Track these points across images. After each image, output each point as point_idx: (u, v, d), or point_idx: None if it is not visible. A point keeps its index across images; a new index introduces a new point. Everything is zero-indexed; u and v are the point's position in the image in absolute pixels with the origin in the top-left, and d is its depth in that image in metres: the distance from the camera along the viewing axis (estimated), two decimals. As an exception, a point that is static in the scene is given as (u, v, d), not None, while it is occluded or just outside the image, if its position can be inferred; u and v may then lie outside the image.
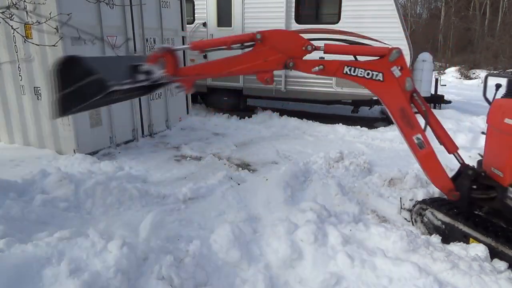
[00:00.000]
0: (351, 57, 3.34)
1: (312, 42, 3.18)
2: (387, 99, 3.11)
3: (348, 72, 3.08)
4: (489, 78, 3.44)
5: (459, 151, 3.34)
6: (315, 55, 3.16)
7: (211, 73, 3.62)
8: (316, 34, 8.42)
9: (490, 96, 3.31)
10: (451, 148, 3.26)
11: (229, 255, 2.89)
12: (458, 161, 3.33)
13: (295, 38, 3.12)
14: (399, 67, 3.01)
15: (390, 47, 3.04)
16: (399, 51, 2.98)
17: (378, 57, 3.07)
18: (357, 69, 3.06)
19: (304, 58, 3.13)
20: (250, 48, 3.10)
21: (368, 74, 3.05)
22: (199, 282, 2.66)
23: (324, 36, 9.15)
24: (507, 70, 18.09)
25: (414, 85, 3.10)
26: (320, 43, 3.24)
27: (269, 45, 3.04)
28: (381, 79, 3.04)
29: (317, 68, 3.13)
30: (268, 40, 3.03)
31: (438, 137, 3.28)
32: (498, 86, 3.21)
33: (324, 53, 3.12)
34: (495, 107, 3.13)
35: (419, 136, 3.10)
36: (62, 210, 3.61)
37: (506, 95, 3.23)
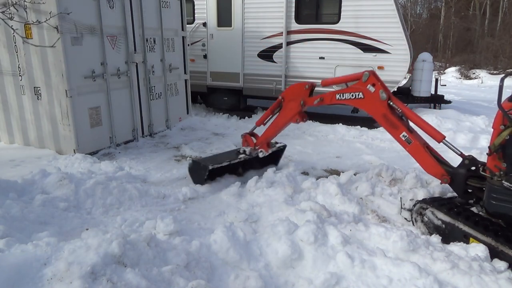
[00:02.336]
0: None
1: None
2: (371, 110, 3.85)
3: (340, 98, 4.00)
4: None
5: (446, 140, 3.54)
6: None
7: (270, 135, 4.73)
8: (316, 34, 8.51)
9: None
10: (438, 137, 3.49)
11: (229, 255, 2.89)
12: (454, 151, 3.52)
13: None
14: (372, 84, 3.75)
15: (362, 71, 3.82)
16: (367, 73, 3.76)
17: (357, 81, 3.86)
18: (345, 94, 3.97)
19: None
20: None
21: (352, 95, 3.91)
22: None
23: (324, 36, 9.21)
24: (507, 71, 18.09)
25: (389, 94, 3.72)
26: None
27: (286, 99, 4.65)
28: (362, 96, 3.84)
29: (318, 100, 4.24)
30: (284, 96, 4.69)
31: (424, 131, 3.59)
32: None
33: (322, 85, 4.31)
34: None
35: (405, 133, 3.66)
36: (62, 210, 3.61)
37: None
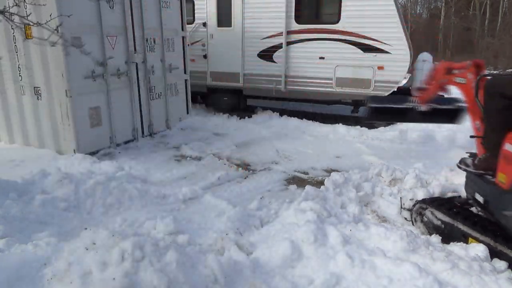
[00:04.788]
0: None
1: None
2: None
3: None
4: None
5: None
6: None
7: None
8: (316, 34, 8.51)
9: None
10: None
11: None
12: None
13: None
14: None
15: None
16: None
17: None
18: None
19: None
20: None
21: None
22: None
23: (324, 36, 9.21)
24: (507, 70, 18.06)
25: None
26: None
27: None
28: None
29: None
30: None
31: None
32: None
33: None
34: None
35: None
36: (62, 210, 3.62)
37: None
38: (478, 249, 2.93)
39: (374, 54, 7.87)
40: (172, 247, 2.60)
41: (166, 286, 2.29)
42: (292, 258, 2.89)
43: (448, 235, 3.28)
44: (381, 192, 4.40)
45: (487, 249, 2.93)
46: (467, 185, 3.32)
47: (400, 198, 4.09)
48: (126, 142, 6.56)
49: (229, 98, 9.54)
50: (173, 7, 7.38)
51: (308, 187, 4.15)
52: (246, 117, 8.82)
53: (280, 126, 8.11)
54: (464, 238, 3.15)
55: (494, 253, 2.93)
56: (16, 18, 3.82)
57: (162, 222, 3.30)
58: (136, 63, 6.61)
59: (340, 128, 7.76)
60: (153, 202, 4.12)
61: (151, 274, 2.32)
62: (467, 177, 3.31)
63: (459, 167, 3.30)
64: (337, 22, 8.02)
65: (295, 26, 8.42)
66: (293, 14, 8.39)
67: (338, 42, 8.07)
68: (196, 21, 9.31)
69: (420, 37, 27.15)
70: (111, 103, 6.13)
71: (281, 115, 8.82)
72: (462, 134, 6.93)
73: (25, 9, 5.14)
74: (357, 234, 3.25)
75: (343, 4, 7.92)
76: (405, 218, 3.90)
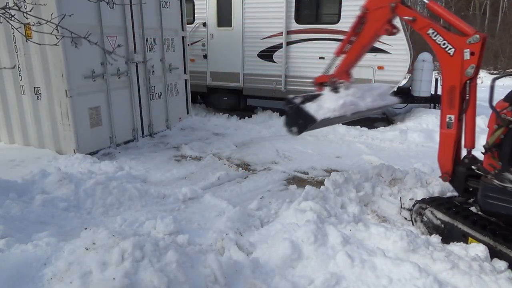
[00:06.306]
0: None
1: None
2: (446, 73, 3.36)
3: (431, 35, 3.39)
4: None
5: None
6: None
7: (352, 60, 3.98)
8: (316, 34, 8.50)
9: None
10: (469, 144, 3.39)
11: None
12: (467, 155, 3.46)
13: None
14: (471, 52, 3.15)
15: (475, 30, 3.18)
16: (478, 37, 3.10)
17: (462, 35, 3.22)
18: (438, 35, 3.32)
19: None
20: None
21: (444, 44, 3.28)
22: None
23: (324, 36, 9.19)
24: (507, 70, 18.06)
25: (476, 75, 3.23)
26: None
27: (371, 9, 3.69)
28: (451, 53, 3.25)
29: (410, 18, 3.55)
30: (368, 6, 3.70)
31: (464, 129, 3.41)
32: None
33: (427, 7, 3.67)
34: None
35: (452, 117, 3.35)
36: (62, 210, 3.62)
37: None
38: (478, 249, 2.93)
39: (374, 54, 7.86)
40: (172, 247, 2.61)
41: (166, 286, 2.29)
42: (292, 258, 2.89)
43: (448, 235, 3.28)
44: (381, 192, 4.40)
45: (487, 249, 2.93)
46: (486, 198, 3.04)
47: (400, 198, 4.09)
48: (126, 142, 6.56)
49: (229, 98, 9.54)
50: (173, 7, 7.38)
51: (308, 187, 4.15)
52: (246, 117, 8.82)
53: (280, 126, 8.09)
54: (464, 238, 3.15)
55: (494, 253, 2.93)
56: (17, 18, 3.83)
57: (162, 222, 3.29)
58: (136, 63, 6.62)
59: (340, 128, 7.75)
60: (153, 202, 4.12)
61: (151, 274, 2.32)
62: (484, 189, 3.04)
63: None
64: (337, 22, 8.03)
65: (295, 26, 8.42)
66: (293, 14, 8.39)
67: (338, 42, 8.06)
68: (196, 21, 9.32)
69: (420, 37, 27.11)
70: (111, 103, 6.13)
71: (281, 115, 8.82)
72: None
73: (25, 9, 5.14)
74: (357, 234, 3.25)
75: (343, 4, 7.93)
76: (405, 218, 3.90)
